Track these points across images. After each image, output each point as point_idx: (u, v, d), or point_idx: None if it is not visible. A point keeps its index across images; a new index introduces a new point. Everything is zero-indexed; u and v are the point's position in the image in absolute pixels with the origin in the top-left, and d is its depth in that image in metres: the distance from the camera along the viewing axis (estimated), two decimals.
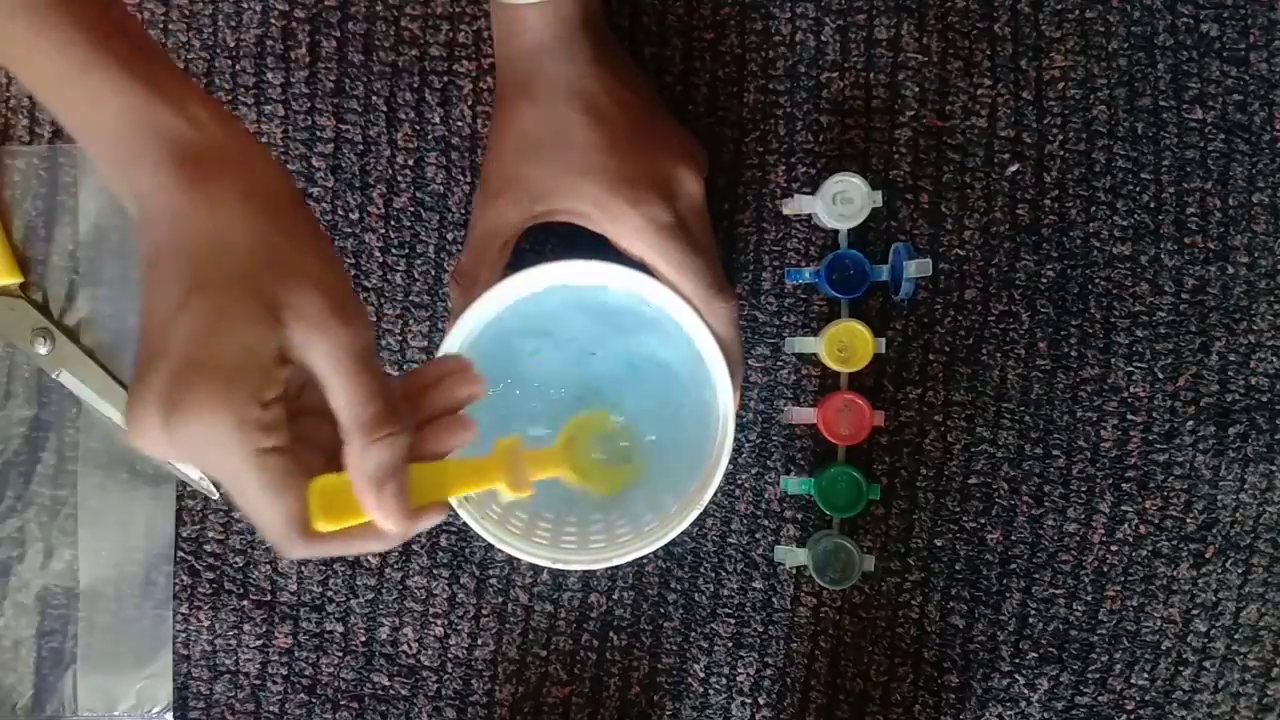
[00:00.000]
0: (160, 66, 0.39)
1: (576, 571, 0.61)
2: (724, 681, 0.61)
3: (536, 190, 0.52)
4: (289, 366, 0.39)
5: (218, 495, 0.61)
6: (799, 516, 0.61)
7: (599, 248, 0.61)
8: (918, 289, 0.60)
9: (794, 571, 0.61)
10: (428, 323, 0.61)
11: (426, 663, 0.61)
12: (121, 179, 0.39)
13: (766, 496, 0.61)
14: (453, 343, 0.52)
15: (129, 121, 0.38)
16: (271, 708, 0.61)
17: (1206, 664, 0.61)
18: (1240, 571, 0.60)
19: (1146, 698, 0.61)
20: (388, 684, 0.61)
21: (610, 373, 0.57)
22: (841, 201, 0.57)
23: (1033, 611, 0.61)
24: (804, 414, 0.59)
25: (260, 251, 0.38)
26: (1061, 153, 0.60)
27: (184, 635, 0.61)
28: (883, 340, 0.58)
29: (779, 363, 0.60)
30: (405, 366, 0.61)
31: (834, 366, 0.58)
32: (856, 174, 0.57)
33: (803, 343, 0.59)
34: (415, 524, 0.41)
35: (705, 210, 0.54)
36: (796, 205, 0.58)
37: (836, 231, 0.59)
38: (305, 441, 0.40)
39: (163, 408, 0.37)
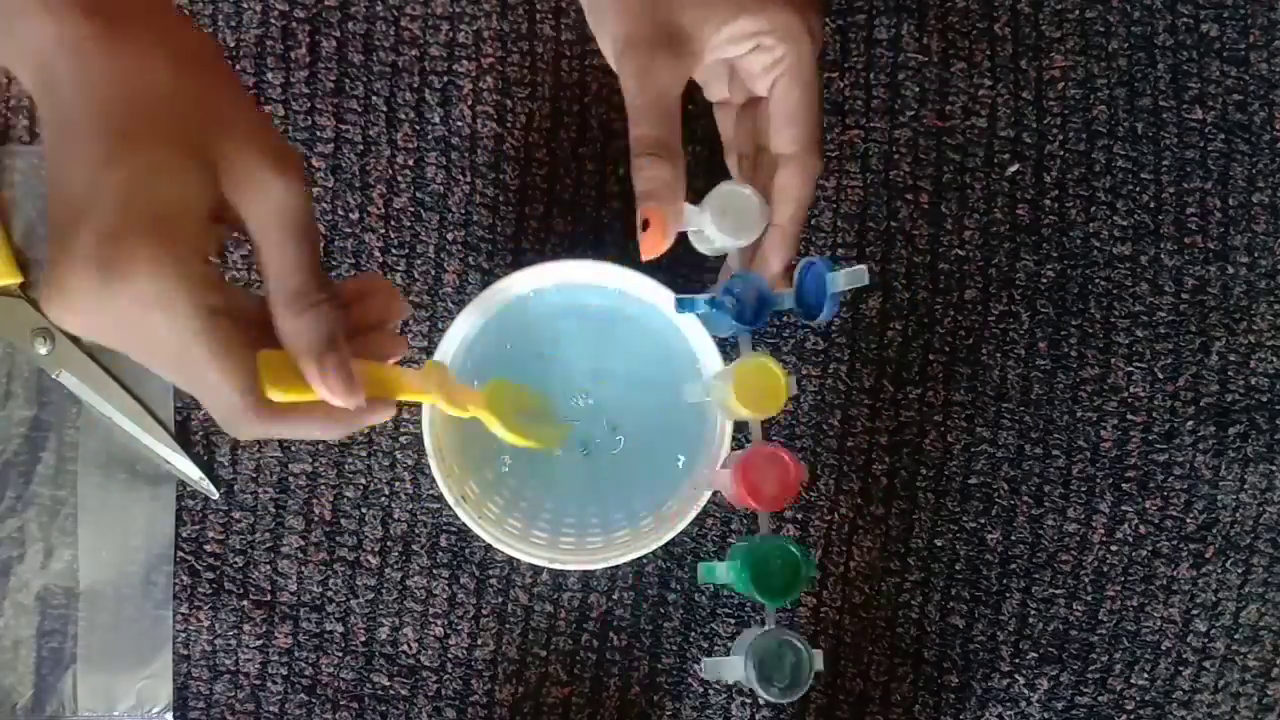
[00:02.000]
0: None
1: (575, 572, 0.61)
2: (724, 681, 0.61)
3: (692, 26, 0.45)
4: (222, 227, 0.36)
5: (218, 495, 0.61)
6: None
7: (599, 247, 0.61)
8: (839, 305, 0.51)
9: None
10: (428, 323, 0.61)
11: (426, 663, 0.61)
12: (15, 38, 0.35)
13: None
14: (450, 343, 0.52)
15: None
16: (271, 708, 0.61)
17: (1206, 664, 0.61)
18: (1240, 571, 0.60)
19: (1146, 698, 0.61)
20: (388, 684, 0.61)
21: (608, 372, 0.58)
22: (733, 213, 0.48)
23: (1033, 611, 0.61)
24: (720, 477, 0.49)
25: (189, 102, 0.36)
26: (1061, 153, 0.60)
27: (184, 635, 0.61)
28: (793, 380, 0.48)
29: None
30: (405, 366, 0.61)
31: (747, 413, 0.47)
32: (742, 183, 0.49)
33: (693, 390, 0.50)
34: (364, 414, 0.40)
35: None
36: (685, 220, 0.48)
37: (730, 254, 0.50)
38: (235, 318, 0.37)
39: (98, 270, 0.33)
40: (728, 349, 0.54)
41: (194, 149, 0.35)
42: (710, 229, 0.48)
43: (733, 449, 0.51)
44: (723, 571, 0.49)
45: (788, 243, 0.48)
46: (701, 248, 0.50)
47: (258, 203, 0.36)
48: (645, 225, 0.45)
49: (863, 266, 0.45)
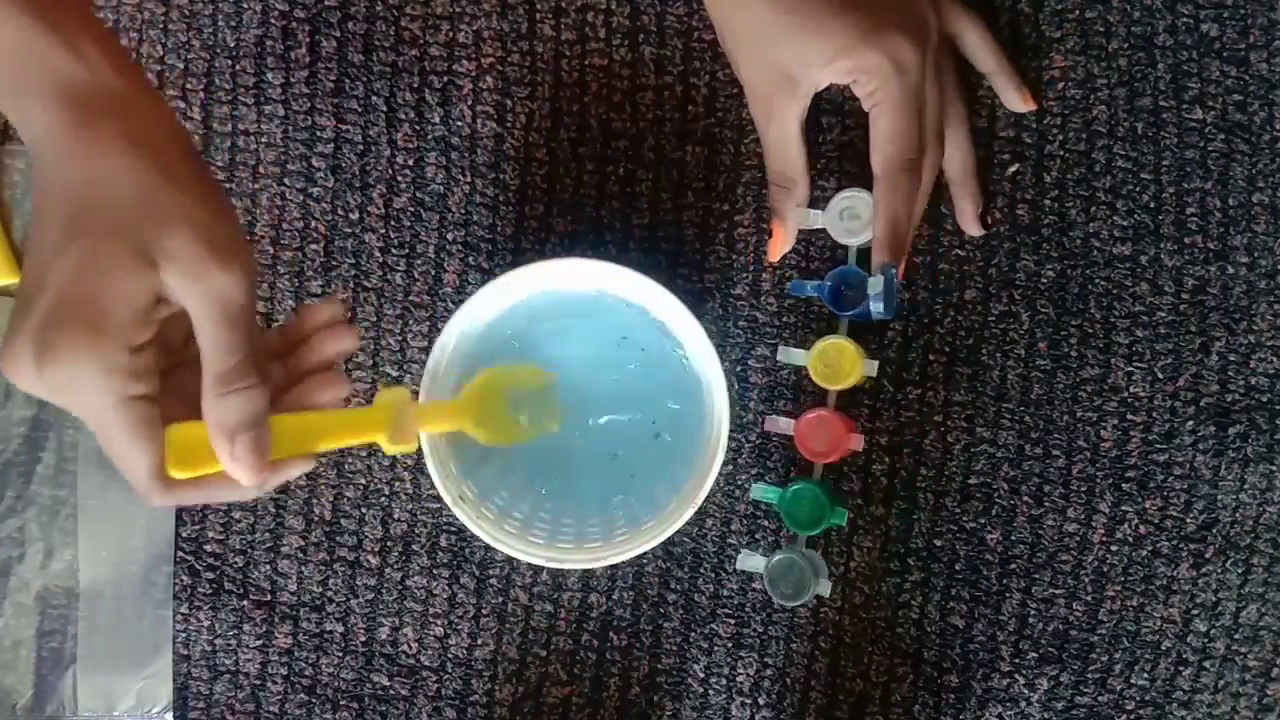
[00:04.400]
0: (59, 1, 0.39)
1: (575, 571, 0.61)
2: (724, 681, 0.61)
3: (797, 69, 0.52)
4: (169, 311, 0.39)
5: None
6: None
7: (599, 247, 0.61)
8: (900, 303, 0.59)
9: None
10: (428, 323, 0.61)
11: (426, 663, 0.61)
12: (14, 107, 0.39)
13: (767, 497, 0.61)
14: (449, 340, 0.52)
15: (22, 54, 0.38)
16: (271, 708, 0.61)
17: (1206, 664, 0.61)
18: (1240, 571, 0.60)
19: (1146, 698, 0.61)
20: (388, 684, 0.61)
21: (607, 371, 0.58)
22: (849, 217, 0.56)
23: (1033, 611, 0.61)
24: (783, 424, 0.58)
25: (137, 197, 0.38)
26: (1061, 153, 0.60)
27: (184, 635, 0.61)
28: (874, 364, 0.57)
29: (779, 364, 0.60)
30: (405, 367, 0.61)
31: (819, 383, 0.57)
32: (863, 189, 0.56)
33: (791, 354, 0.58)
34: (273, 477, 0.42)
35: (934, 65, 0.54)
36: (810, 221, 0.57)
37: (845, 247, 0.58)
38: (181, 393, 0.41)
39: (34, 347, 0.38)
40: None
41: (135, 242, 0.38)
42: (831, 230, 0.57)
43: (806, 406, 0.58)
44: (761, 491, 0.58)
45: (882, 249, 0.53)
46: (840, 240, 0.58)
47: (195, 293, 0.39)
48: (770, 234, 0.57)
49: (877, 277, 0.52)
